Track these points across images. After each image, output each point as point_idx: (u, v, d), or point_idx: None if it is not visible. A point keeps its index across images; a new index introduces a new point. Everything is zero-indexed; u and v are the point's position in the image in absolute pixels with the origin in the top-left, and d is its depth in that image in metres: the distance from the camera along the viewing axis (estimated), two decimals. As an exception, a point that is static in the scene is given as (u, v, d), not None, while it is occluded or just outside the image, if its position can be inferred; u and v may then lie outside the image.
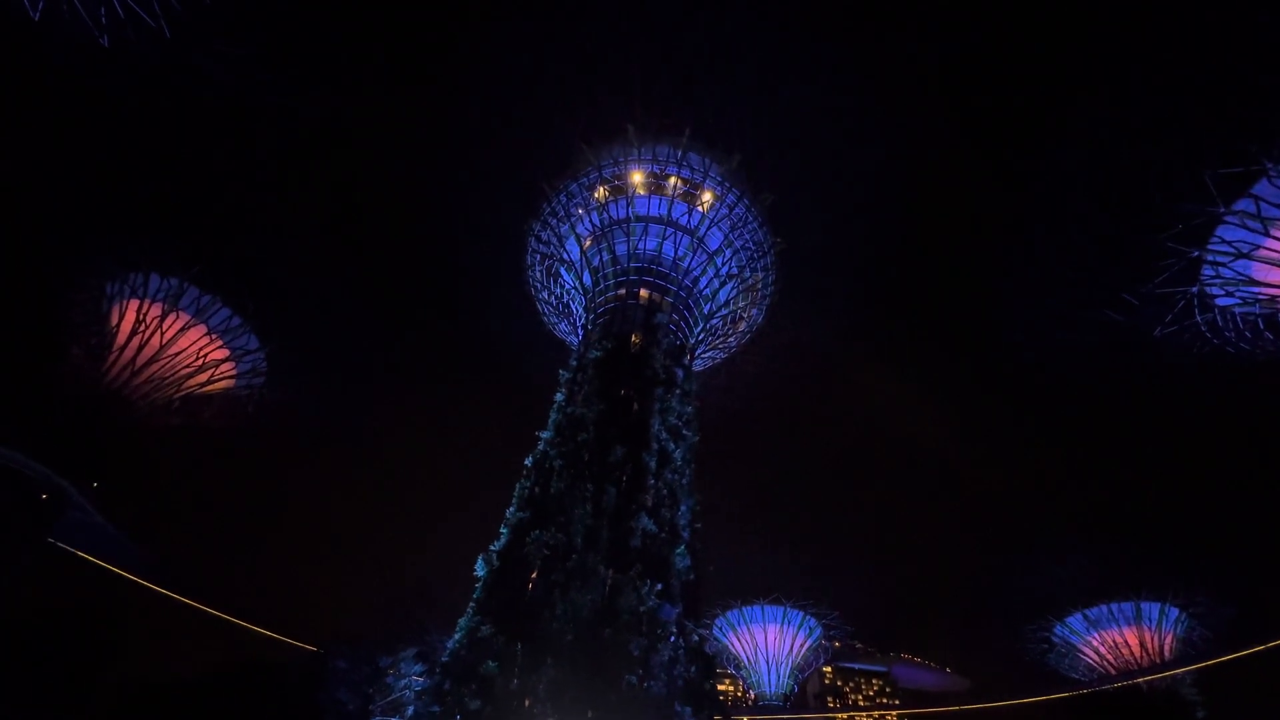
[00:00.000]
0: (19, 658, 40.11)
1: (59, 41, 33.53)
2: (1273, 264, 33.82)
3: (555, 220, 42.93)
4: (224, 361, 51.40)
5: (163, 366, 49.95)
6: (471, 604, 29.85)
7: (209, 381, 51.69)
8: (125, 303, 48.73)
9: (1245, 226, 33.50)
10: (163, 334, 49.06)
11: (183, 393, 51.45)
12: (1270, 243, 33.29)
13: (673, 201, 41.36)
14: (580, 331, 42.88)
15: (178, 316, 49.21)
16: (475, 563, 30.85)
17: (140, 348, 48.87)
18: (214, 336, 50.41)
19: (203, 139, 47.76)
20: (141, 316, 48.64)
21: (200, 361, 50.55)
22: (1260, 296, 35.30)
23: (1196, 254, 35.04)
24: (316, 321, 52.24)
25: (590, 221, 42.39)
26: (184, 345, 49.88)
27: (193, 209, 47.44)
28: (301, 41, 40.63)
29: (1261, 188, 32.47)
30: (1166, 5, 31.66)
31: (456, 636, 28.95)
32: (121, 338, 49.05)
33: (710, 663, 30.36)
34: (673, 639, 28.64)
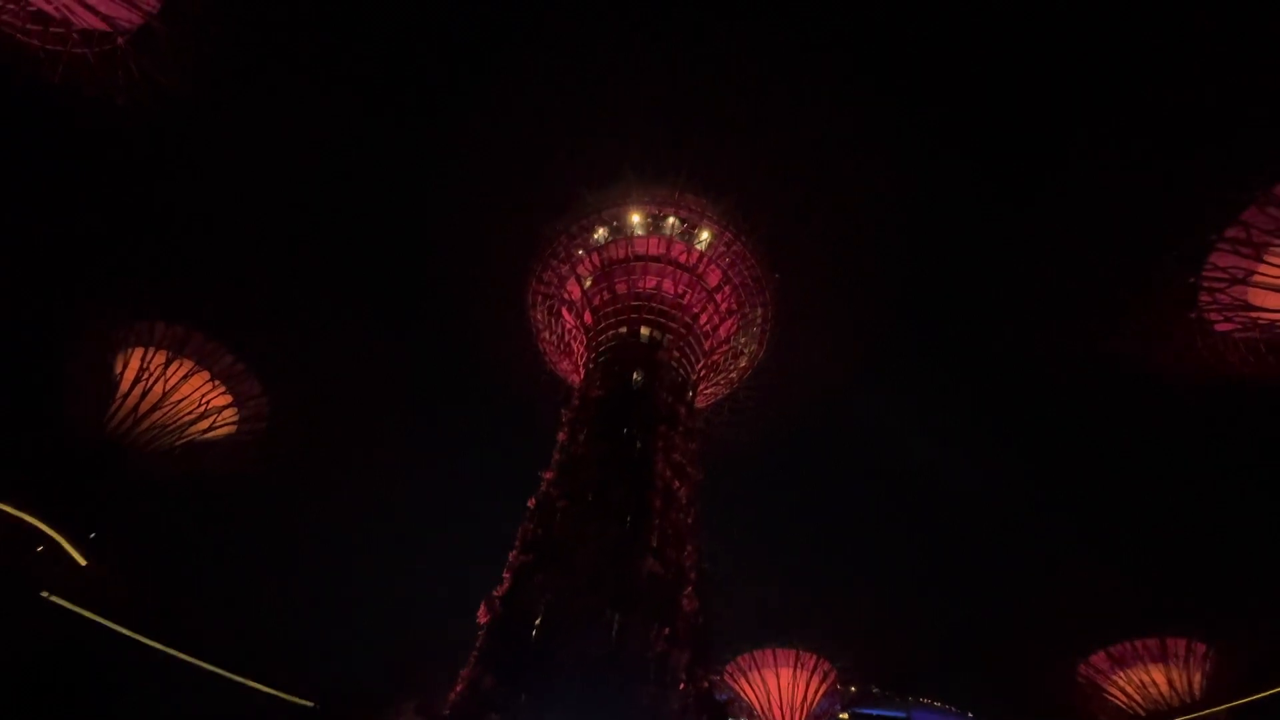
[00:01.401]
0: (11, 714, 38.79)
1: (76, 100, 34.84)
2: (1270, 289, 34.03)
3: (556, 261, 43.54)
4: (226, 408, 51.40)
5: (165, 414, 49.96)
6: (473, 653, 28.97)
7: (211, 428, 51.60)
8: (130, 350, 49.09)
9: (1238, 253, 33.89)
10: (165, 381, 49.25)
11: (184, 440, 51.29)
12: (1264, 268, 33.59)
13: (671, 240, 42.02)
14: (582, 370, 42.93)
15: (181, 364, 49.48)
16: (476, 610, 30.08)
17: (143, 395, 48.99)
18: (216, 383, 50.56)
19: (211, 189, 49.13)
20: (145, 364, 48.91)
21: (203, 408, 50.57)
22: (1259, 321, 35.38)
23: (1193, 280, 35.35)
24: (318, 366, 52.46)
25: (590, 261, 42.99)
26: (187, 392, 50.00)
27: (200, 256, 48.36)
28: (307, 89, 42.22)
29: (1251, 215, 33.00)
30: (1157, 40, 32.85)
31: (458, 688, 28.00)
32: (125, 386, 49.23)
33: (721, 711, 29.22)
34: (682, 686, 27.65)
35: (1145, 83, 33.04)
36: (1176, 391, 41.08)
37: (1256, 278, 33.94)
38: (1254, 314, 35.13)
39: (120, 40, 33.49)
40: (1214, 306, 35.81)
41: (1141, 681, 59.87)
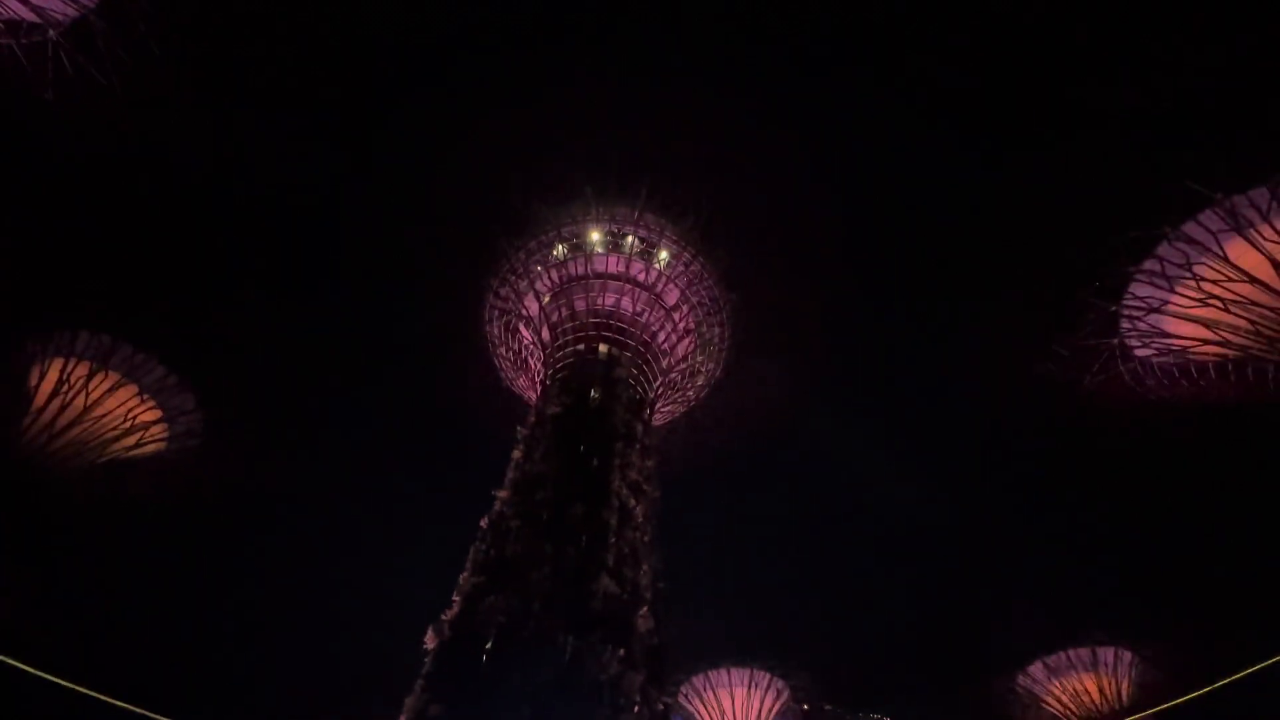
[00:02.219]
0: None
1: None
2: (1181, 318, 37.01)
3: (514, 277, 43.22)
4: (155, 424, 48.25)
5: (85, 430, 46.48)
6: (420, 680, 27.81)
7: (137, 445, 48.28)
8: (48, 361, 45.64)
9: (1154, 284, 36.80)
10: (88, 394, 45.92)
11: (107, 457, 47.77)
12: (1176, 299, 36.59)
13: (630, 259, 42.36)
14: (539, 387, 42.47)
15: (106, 375, 46.27)
16: (424, 635, 28.97)
17: (62, 409, 45.49)
18: (145, 397, 47.47)
19: (142, 191, 46.71)
20: (65, 376, 45.52)
21: (129, 424, 47.33)
22: (1173, 347, 38.38)
23: (1114, 309, 38.18)
24: (259, 380, 50.08)
25: (549, 278, 42.84)
26: (111, 406, 46.71)
27: (128, 262, 45.74)
28: (252, 95, 40.93)
29: (1164, 250, 35.99)
30: (1081, 81, 35.67)
31: (403, 718, 26.77)
32: (41, 399, 45.63)
33: (676, 733, 28.89)
34: (637, 709, 27.23)
35: (1075, 121, 35.86)
36: (1103, 412, 43.90)
37: (1170, 307, 36.94)
38: (1169, 340, 38.11)
39: (52, 33, 31.73)
40: (1134, 333, 38.74)
41: (1075, 690, 62.75)
